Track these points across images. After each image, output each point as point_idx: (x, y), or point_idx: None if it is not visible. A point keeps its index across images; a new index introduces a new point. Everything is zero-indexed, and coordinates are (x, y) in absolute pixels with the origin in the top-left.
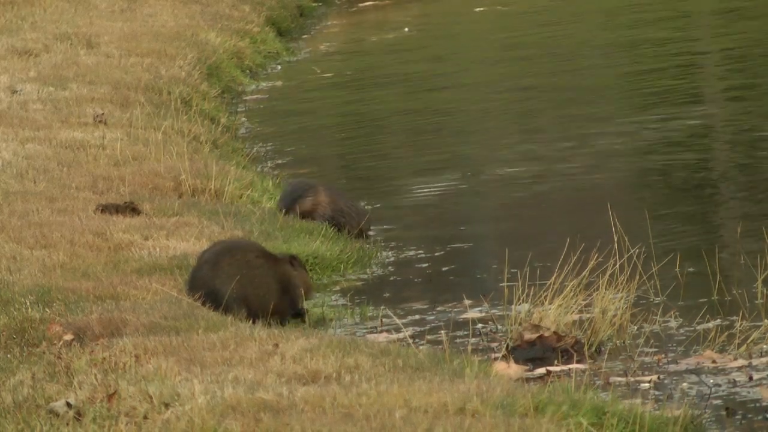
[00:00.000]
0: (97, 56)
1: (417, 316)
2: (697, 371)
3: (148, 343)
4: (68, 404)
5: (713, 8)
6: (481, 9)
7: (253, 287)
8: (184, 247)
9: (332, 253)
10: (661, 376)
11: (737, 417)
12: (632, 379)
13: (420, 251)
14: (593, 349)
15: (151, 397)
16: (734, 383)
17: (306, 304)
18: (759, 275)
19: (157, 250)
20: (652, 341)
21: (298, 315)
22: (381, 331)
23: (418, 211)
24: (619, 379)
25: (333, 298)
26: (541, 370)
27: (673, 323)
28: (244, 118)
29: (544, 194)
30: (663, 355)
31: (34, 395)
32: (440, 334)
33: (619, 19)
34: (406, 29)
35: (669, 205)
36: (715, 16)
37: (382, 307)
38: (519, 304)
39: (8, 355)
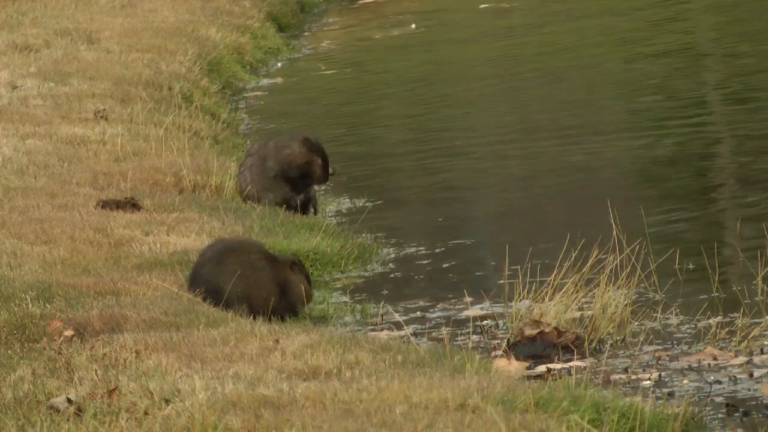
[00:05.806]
0: (98, 52)
1: (418, 313)
2: (697, 368)
3: (149, 339)
4: (69, 400)
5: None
6: (486, 6)
7: (256, 288)
8: (184, 242)
9: (333, 249)
10: (662, 373)
11: (738, 414)
12: (633, 375)
13: (421, 248)
14: (594, 345)
15: (151, 393)
16: (735, 380)
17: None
18: (759, 272)
19: (158, 245)
20: (652, 338)
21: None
22: (382, 328)
23: (419, 208)
24: (620, 375)
25: (334, 294)
26: (542, 368)
27: (673, 320)
28: (244, 114)
29: (544, 191)
30: (663, 352)
31: (34, 391)
32: (441, 330)
33: (619, 16)
34: (413, 26)
35: (668, 202)
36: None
37: (382, 304)
38: (519, 301)
39: (9, 351)
